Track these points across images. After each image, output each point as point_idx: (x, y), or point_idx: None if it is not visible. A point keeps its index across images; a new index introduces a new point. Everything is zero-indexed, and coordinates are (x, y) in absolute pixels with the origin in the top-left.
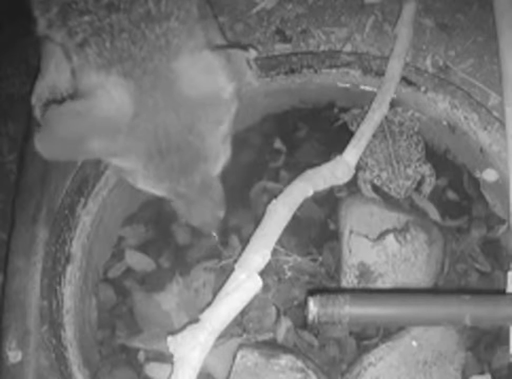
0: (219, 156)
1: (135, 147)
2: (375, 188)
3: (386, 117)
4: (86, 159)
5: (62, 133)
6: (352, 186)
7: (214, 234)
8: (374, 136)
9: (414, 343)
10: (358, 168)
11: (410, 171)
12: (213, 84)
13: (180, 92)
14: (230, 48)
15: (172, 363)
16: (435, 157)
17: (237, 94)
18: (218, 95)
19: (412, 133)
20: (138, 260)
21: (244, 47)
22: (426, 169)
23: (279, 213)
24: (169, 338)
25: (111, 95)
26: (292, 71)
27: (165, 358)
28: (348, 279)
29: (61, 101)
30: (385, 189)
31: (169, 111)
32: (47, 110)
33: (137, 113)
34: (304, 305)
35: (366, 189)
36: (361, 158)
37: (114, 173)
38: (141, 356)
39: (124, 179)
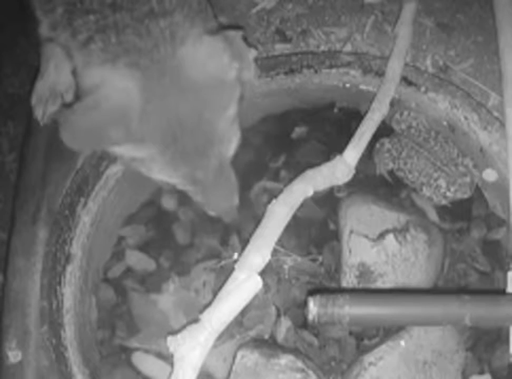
0: (230, 137)
1: (150, 133)
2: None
3: (399, 134)
4: (108, 148)
5: (81, 129)
6: (352, 186)
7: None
8: (408, 157)
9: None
10: (411, 189)
11: (460, 167)
12: (217, 66)
13: (187, 77)
14: (227, 31)
15: (172, 363)
16: None
17: (239, 77)
18: (222, 77)
19: (434, 134)
20: (138, 260)
21: (239, 27)
22: (469, 161)
23: (279, 213)
24: (169, 338)
25: (117, 85)
26: (292, 71)
27: (162, 357)
28: (348, 279)
29: (69, 104)
30: (451, 195)
31: (179, 96)
32: (60, 116)
33: (147, 100)
34: (304, 305)
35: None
36: (409, 180)
37: (126, 165)
38: None
39: (137, 170)
